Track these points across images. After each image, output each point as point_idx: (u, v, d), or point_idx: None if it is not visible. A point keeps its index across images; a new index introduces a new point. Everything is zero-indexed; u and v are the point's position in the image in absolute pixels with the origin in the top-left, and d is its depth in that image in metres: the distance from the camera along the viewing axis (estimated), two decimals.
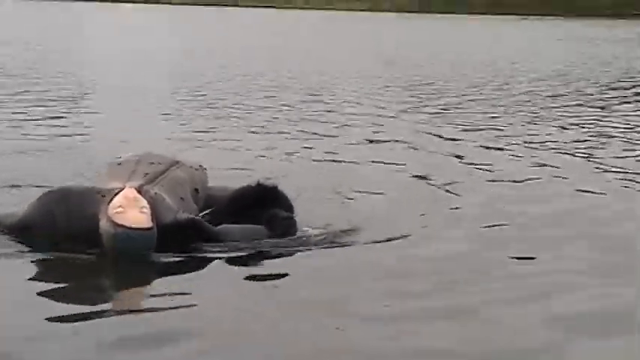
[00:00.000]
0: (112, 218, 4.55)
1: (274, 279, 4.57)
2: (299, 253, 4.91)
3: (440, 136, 9.65)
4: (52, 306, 4.07)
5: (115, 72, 17.34)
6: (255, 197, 5.22)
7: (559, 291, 4.49)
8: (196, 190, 5.32)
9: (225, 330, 3.86)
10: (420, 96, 14.00)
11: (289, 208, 5.26)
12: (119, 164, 5.28)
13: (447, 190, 6.68)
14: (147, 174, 5.08)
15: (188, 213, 5.00)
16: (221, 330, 3.86)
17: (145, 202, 4.63)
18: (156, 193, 4.88)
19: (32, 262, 4.64)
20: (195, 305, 4.13)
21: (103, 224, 4.60)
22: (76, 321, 3.88)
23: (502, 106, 12.88)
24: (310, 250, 4.95)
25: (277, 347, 3.71)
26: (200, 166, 5.69)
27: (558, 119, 11.42)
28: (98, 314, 3.97)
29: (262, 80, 15.74)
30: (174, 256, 4.74)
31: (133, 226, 4.51)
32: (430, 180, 7.08)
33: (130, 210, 4.55)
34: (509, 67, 20.51)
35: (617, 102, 13.69)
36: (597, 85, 16.49)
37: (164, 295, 4.27)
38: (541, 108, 12.70)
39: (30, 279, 4.41)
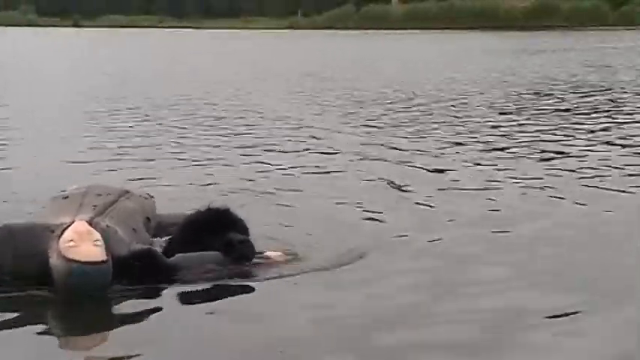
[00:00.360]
0: (63, 253, 4.30)
1: (235, 313, 4.37)
2: (259, 282, 4.74)
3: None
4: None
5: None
6: (207, 222, 5.00)
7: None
8: (148, 219, 5.13)
9: None
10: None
11: (244, 230, 5.06)
12: (65, 197, 5.04)
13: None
14: (95, 206, 4.86)
15: (142, 244, 4.80)
16: None
17: (98, 235, 4.39)
18: (107, 226, 4.66)
19: None
20: (152, 343, 3.93)
21: (54, 261, 4.35)
22: None
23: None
24: (270, 276, 4.79)
25: None
26: (148, 194, 5.52)
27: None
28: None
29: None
30: (129, 291, 4.51)
31: (88, 260, 4.27)
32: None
33: (82, 244, 4.31)
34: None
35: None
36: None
37: (119, 335, 4.07)
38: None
39: None
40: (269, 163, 8.57)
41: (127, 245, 4.64)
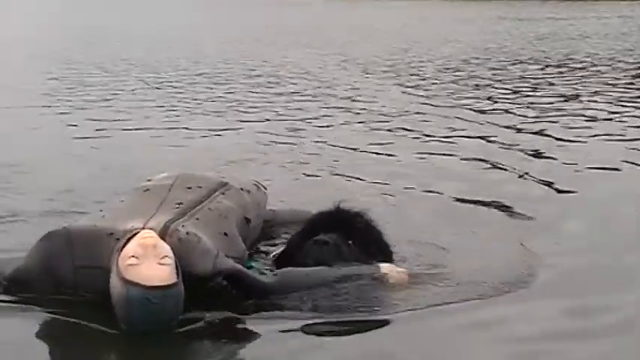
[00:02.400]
0: (122, 273, 3.32)
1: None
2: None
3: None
4: None
5: None
6: (328, 224, 3.96)
7: None
8: (247, 219, 4.09)
9: None
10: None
11: (370, 236, 4.04)
12: (146, 190, 4.07)
13: None
14: (180, 204, 3.86)
15: (235, 254, 3.76)
16: None
17: (166, 250, 3.38)
18: (188, 233, 3.63)
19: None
20: None
21: (114, 280, 3.37)
22: None
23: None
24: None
25: None
26: (256, 185, 4.46)
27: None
28: None
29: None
30: (208, 319, 3.48)
31: (149, 284, 3.26)
32: None
33: (145, 261, 3.30)
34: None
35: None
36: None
37: None
38: None
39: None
40: None
41: (212, 258, 3.60)
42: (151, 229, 3.54)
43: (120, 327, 3.35)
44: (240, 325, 3.50)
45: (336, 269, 3.74)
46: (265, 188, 4.56)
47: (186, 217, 3.76)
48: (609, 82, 11.78)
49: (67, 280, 3.62)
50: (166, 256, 3.34)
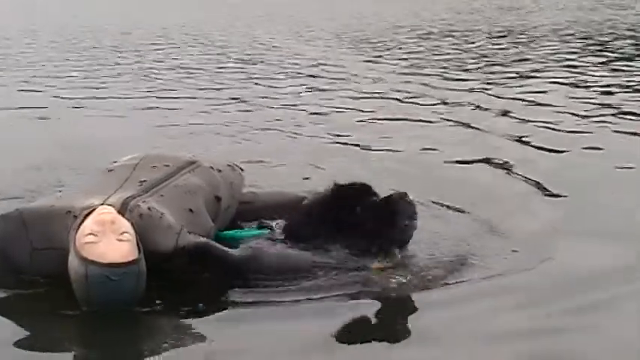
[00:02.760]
0: (79, 251, 3.14)
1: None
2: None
3: None
4: None
5: None
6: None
7: None
8: (217, 197, 3.89)
9: None
10: None
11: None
12: (110, 170, 3.88)
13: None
14: (143, 181, 3.68)
15: (201, 230, 3.58)
16: None
17: (125, 226, 3.21)
18: (150, 209, 3.45)
19: None
20: None
21: (72, 259, 3.18)
22: None
23: None
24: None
25: None
26: (230, 165, 4.27)
27: None
28: None
29: None
30: (176, 301, 3.30)
31: (108, 261, 3.08)
32: None
33: (103, 238, 3.13)
34: None
35: None
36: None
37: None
38: None
39: None
40: None
41: (175, 234, 3.43)
42: (110, 205, 3.36)
43: (80, 308, 3.17)
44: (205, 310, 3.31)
45: (321, 255, 3.55)
46: (242, 169, 4.36)
47: (149, 194, 3.58)
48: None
49: (24, 264, 3.44)
50: (126, 232, 3.17)
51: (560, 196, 4.79)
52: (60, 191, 3.80)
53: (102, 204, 3.37)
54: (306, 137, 6.67)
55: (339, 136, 6.63)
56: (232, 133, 6.82)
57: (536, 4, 25.23)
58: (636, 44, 13.10)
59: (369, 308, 3.29)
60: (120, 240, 3.13)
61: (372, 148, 6.22)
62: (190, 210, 3.63)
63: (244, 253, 3.50)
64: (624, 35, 14.31)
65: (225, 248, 3.49)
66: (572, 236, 4.07)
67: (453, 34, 16.26)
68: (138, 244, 3.19)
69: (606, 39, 13.97)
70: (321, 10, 21.87)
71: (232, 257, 3.46)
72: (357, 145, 6.26)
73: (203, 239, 3.48)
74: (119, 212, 3.31)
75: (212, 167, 4.05)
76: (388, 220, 3.60)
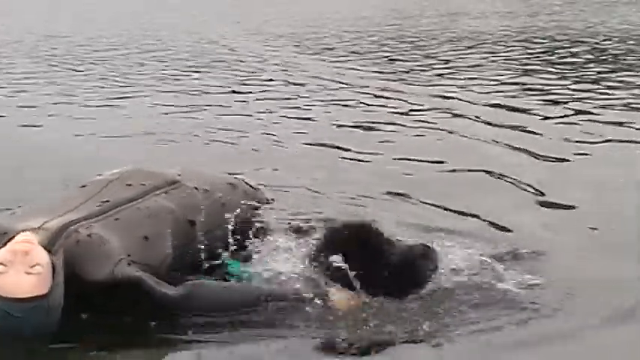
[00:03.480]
0: None
1: None
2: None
3: None
4: None
5: None
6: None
7: None
8: (191, 222, 3.65)
9: None
10: None
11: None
12: (83, 186, 3.72)
13: None
14: (105, 202, 3.51)
15: (151, 260, 3.40)
16: None
17: (40, 258, 3.04)
18: (90, 235, 3.30)
19: None
20: None
21: None
22: None
23: None
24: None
25: None
26: (231, 184, 4.07)
27: None
28: None
29: None
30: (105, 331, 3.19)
31: (10, 295, 2.98)
32: None
33: (11, 270, 3.00)
34: None
35: None
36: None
37: None
38: None
39: None
40: None
41: (112, 265, 3.25)
42: (47, 229, 3.21)
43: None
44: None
45: (264, 286, 3.42)
46: (254, 187, 4.19)
47: (102, 217, 3.42)
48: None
49: None
50: (38, 264, 3.02)
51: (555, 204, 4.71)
52: (20, 206, 3.67)
53: (39, 228, 3.21)
54: (281, 143, 6.51)
55: (311, 145, 6.47)
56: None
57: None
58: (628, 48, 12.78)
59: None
60: (29, 273, 3.00)
61: (346, 156, 6.09)
62: (145, 237, 3.45)
63: (181, 290, 3.32)
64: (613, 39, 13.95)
65: (161, 284, 3.30)
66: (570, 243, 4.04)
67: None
68: (54, 275, 3.05)
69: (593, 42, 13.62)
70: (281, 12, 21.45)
71: (162, 295, 3.29)
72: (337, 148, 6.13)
73: (138, 273, 3.29)
74: (53, 236, 3.17)
75: (196, 187, 3.82)
76: (406, 276, 3.41)
